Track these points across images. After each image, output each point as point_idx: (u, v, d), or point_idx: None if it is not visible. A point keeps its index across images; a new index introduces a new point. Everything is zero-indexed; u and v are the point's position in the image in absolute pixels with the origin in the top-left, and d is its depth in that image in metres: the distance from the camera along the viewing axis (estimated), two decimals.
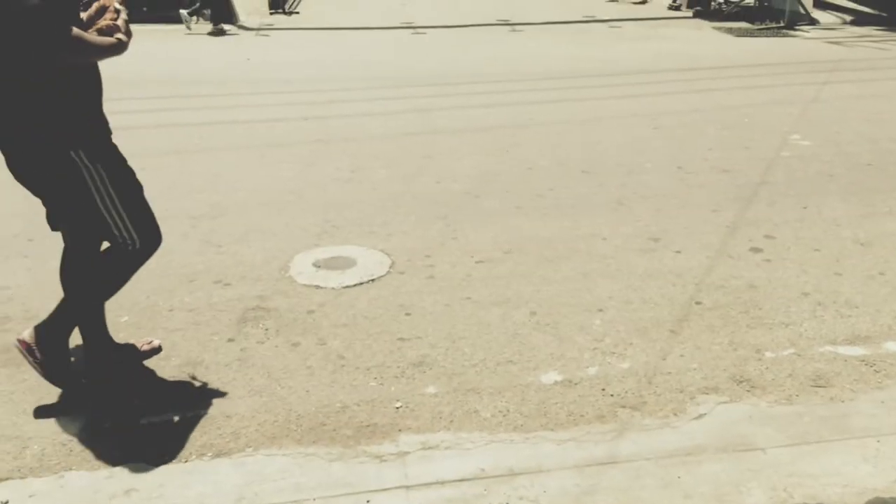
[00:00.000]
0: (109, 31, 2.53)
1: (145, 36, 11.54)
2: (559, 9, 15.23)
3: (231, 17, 12.88)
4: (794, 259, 4.13)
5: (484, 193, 5.09)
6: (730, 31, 12.14)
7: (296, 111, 7.15)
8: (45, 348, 2.77)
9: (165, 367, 3.13)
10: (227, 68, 9.29)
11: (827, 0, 13.52)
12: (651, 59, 9.80)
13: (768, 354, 3.21)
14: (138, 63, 9.47)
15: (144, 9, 13.11)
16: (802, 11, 12.43)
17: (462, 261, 4.10)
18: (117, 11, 2.57)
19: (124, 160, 2.78)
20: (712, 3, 14.06)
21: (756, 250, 4.23)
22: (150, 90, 7.95)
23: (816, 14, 12.72)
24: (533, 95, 7.78)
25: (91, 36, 2.48)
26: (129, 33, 2.58)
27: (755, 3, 13.23)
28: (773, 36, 11.71)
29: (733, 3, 13.77)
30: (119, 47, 2.55)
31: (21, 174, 2.65)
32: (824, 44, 10.97)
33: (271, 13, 13.98)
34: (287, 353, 3.23)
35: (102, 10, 2.58)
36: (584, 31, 12.53)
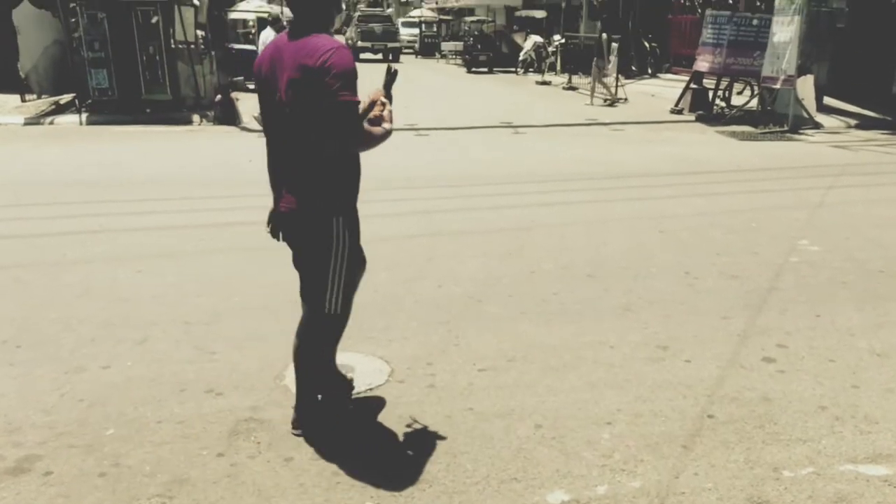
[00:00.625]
0: (377, 120, 3.04)
1: (147, 137, 11.87)
2: (561, 111, 15.70)
3: (235, 118, 13.27)
4: (808, 370, 4.09)
5: (487, 298, 5.10)
6: (733, 134, 12.45)
7: None
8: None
9: (150, 485, 3.05)
10: (228, 169, 9.49)
11: (830, 105, 13.92)
12: (655, 162, 10.01)
13: (786, 473, 3.12)
14: (138, 164, 9.71)
15: (148, 110, 13.53)
16: (806, 115, 12.79)
17: (464, 369, 4.06)
18: (384, 104, 3.09)
19: (359, 235, 3.19)
20: (715, 107, 14.49)
21: (769, 360, 4.19)
22: (148, 191, 8.10)
23: (820, 118, 13.08)
24: (536, 198, 7.91)
25: (372, 128, 2.99)
26: (392, 122, 3.07)
27: (758, 107, 13.63)
28: (778, 140, 12.00)
29: (736, 107, 14.20)
30: (387, 135, 3.01)
31: (297, 239, 3.16)
32: (829, 148, 11.23)
33: None
34: (279, 468, 3.15)
35: (372, 104, 3.12)
36: (587, 134, 12.86)
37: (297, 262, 3.25)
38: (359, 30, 32.42)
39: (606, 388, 3.84)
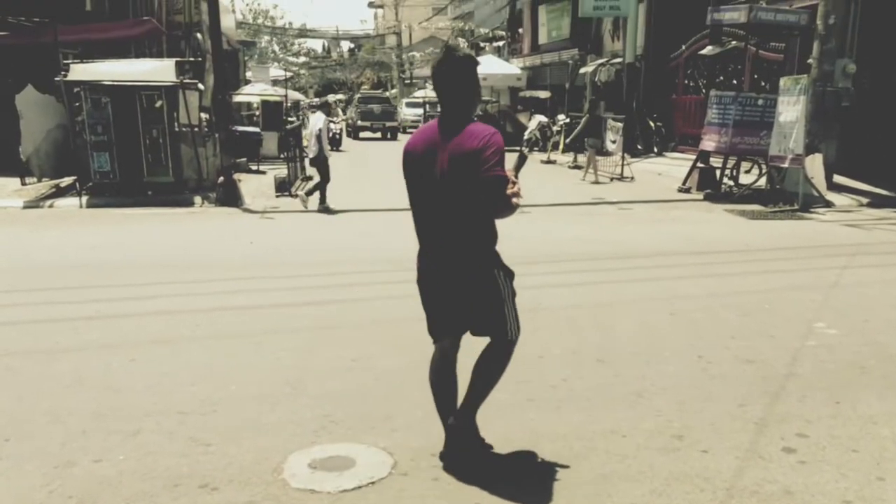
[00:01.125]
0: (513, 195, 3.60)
1: (147, 219, 12.00)
2: (567, 190, 15.86)
3: (237, 200, 13.44)
4: (830, 461, 3.99)
5: None
6: (742, 213, 12.54)
7: (297, 296, 7.26)
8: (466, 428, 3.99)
9: None
10: (228, 252, 9.55)
11: (840, 183, 14.05)
12: (664, 242, 10.05)
13: None
14: (137, 247, 9.78)
15: (149, 192, 13.73)
16: (816, 194, 12.89)
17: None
18: (514, 183, 3.55)
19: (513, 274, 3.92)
20: (723, 186, 14.63)
21: (789, 450, 4.10)
22: (146, 275, 8.13)
23: (831, 196, 13.17)
24: (543, 279, 7.91)
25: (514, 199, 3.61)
26: (521, 197, 3.60)
27: (767, 185, 13.77)
28: (788, 219, 12.07)
29: (744, 185, 14.34)
30: (516, 208, 3.58)
31: (454, 289, 3.81)
32: (841, 227, 11.28)
33: (277, 196, 14.59)
34: None
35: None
36: (594, 213, 12.97)
37: (445, 307, 3.90)
38: (359, 110, 34.69)
39: (620, 481, 3.75)
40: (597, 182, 16.88)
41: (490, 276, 3.78)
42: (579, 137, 19.93)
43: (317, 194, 13.05)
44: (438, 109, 3.86)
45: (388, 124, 33.77)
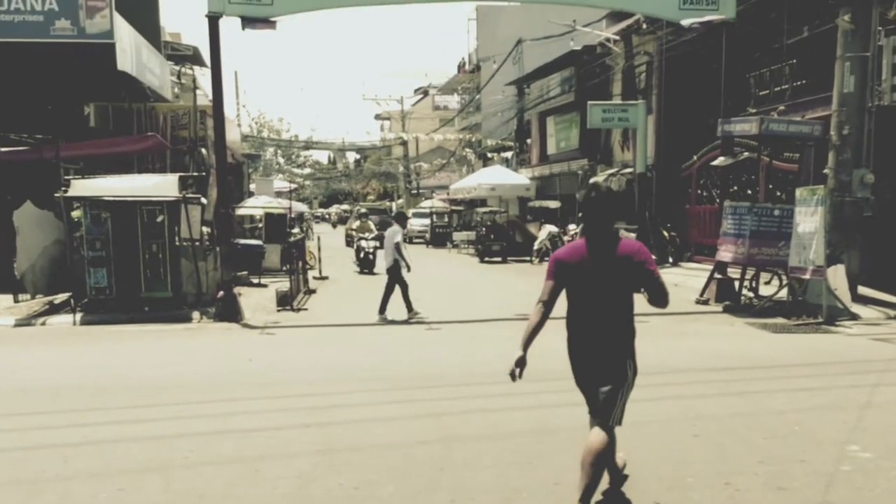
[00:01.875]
0: None
1: (143, 337, 11.98)
2: None
3: (236, 315, 13.46)
4: None
5: None
6: (765, 326, 12.45)
7: (297, 417, 7.15)
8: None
9: None
10: (226, 370, 9.48)
11: (866, 295, 14.00)
12: (684, 357, 9.94)
13: None
14: (131, 366, 9.72)
15: (146, 308, 13.77)
16: (840, 306, 12.82)
17: None
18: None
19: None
20: (742, 298, 14.60)
21: None
22: (138, 397, 8.05)
23: (856, 309, 13.09)
24: (559, 396, 7.78)
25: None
26: None
27: (788, 297, 13.73)
28: (813, 332, 11.97)
29: (765, 297, 14.30)
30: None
31: (597, 373, 4.89)
32: (870, 341, 11.16)
33: (278, 310, 14.62)
34: None
35: None
36: None
37: (590, 386, 4.94)
38: (359, 222, 35.92)
39: None
40: None
41: (624, 362, 4.87)
42: None
43: (387, 304, 13.66)
44: (579, 229, 4.15)
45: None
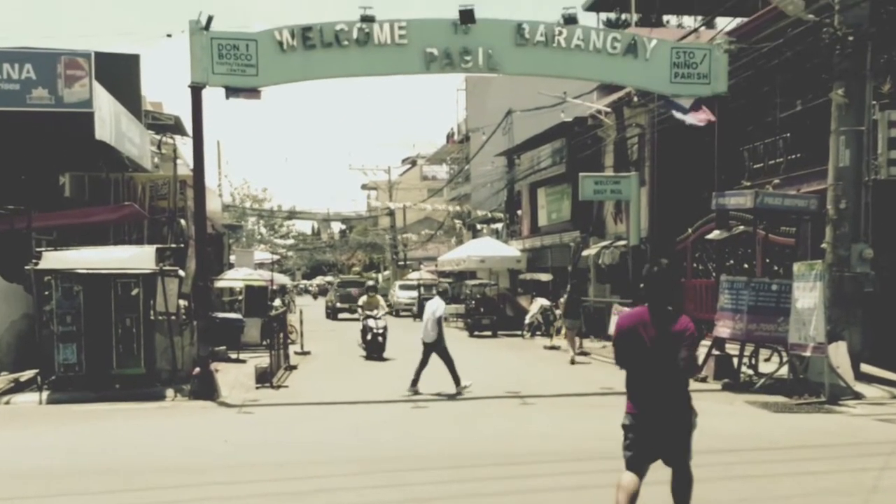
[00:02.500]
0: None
1: (112, 416, 11.76)
2: (573, 379, 15.74)
3: (213, 392, 13.27)
4: None
5: None
6: (766, 405, 12.36)
7: (276, 503, 6.98)
8: None
9: None
10: (201, 452, 9.29)
11: (869, 373, 13.97)
12: None
13: None
14: (97, 449, 9.49)
15: (117, 386, 13.57)
16: (843, 384, 12.77)
17: None
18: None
19: None
20: (742, 375, 14.54)
21: None
22: (103, 482, 7.86)
23: (860, 387, 13.04)
24: (552, 480, 7.66)
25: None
26: None
27: (789, 375, 13.68)
28: (816, 412, 11.88)
29: (765, 375, 14.24)
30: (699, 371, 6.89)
31: (664, 426, 5.82)
32: (875, 422, 11.08)
33: (257, 387, 14.43)
34: None
35: None
36: (603, 405, 12.77)
37: (653, 442, 5.83)
38: (338, 294, 40.56)
39: None
40: (572, 363, 18.28)
41: (689, 416, 5.81)
42: (568, 314, 20.40)
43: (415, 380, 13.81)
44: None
45: None
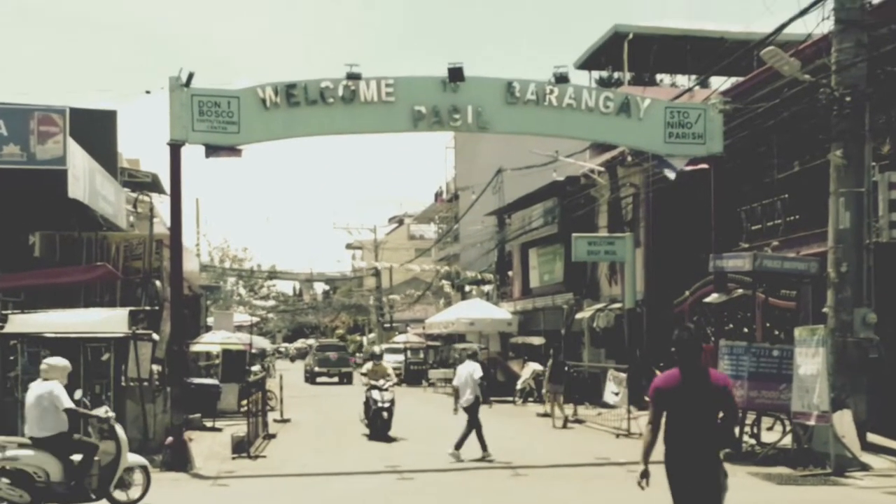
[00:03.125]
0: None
1: None
2: (567, 448, 15.58)
3: (186, 463, 13.06)
4: None
5: None
6: (769, 477, 12.25)
7: None
8: None
9: None
10: None
11: (876, 443, 13.87)
12: None
13: None
14: None
15: None
16: (849, 455, 12.67)
17: None
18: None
19: None
20: (743, 445, 14.41)
21: None
22: None
23: (866, 458, 12.94)
24: None
25: None
26: None
27: (793, 445, 13.58)
28: (821, 484, 11.77)
29: (768, 444, 14.13)
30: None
31: (701, 475, 6.37)
32: (883, 495, 10.98)
33: (234, 458, 14.21)
34: None
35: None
36: (601, 476, 12.64)
37: (690, 491, 6.39)
38: (316, 357, 41.41)
39: None
40: (564, 427, 18.86)
41: (721, 469, 6.48)
42: (552, 379, 20.44)
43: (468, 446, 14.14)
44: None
45: (344, 370, 40.19)
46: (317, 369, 40.31)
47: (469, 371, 14.66)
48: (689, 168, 15.65)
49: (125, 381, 13.95)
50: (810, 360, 12.96)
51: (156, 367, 15.95)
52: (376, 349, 23.32)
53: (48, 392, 9.58)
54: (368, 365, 18.87)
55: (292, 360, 65.78)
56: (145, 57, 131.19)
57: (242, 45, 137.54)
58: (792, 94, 14.84)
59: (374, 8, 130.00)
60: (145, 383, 14.55)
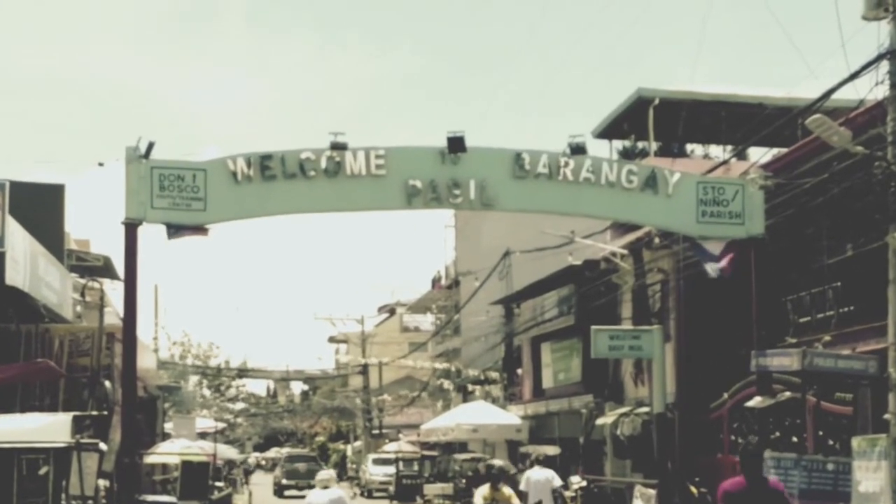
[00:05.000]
0: None
1: None
2: None
3: None
4: None
5: None
6: None
7: None
8: None
9: None
10: None
11: None
12: None
13: None
14: None
15: None
16: None
17: None
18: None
19: None
20: None
21: None
22: None
23: None
24: None
25: None
26: None
27: None
28: None
29: None
30: None
31: None
32: None
33: None
34: None
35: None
36: None
37: None
38: (284, 469, 43.99)
39: None
40: None
41: None
42: None
43: None
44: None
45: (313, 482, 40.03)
46: (285, 482, 42.76)
47: (545, 478, 14.07)
48: (724, 274, 15.59)
49: (66, 499, 13.69)
50: (871, 476, 12.78)
51: (103, 483, 15.69)
52: (496, 463, 19.06)
53: None
54: (485, 490, 14.74)
55: (252, 471, 64.94)
56: (99, 124, 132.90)
57: (211, 111, 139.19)
58: (842, 167, 14.93)
59: (364, 70, 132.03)
60: (90, 502, 14.28)
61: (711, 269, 15.74)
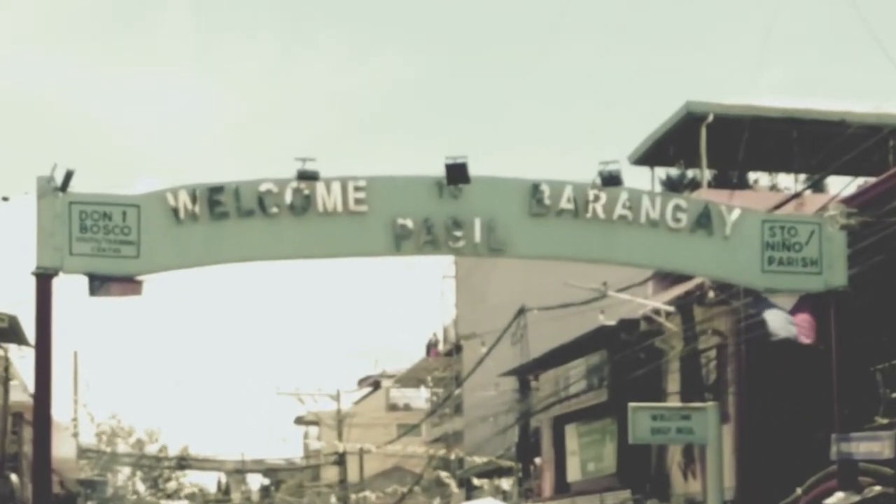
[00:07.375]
0: None
1: None
2: None
3: None
4: None
5: None
6: None
7: None
8: None
9: None
10: None
11: None
12: None
13: None
14: None
15: None
16: None
17: None
18: None
19: None
20: None
21: None
22: None
23: None
24: None
25: None
26: None
27: None
28: None
29: None
30: None
31: None
32: None
33: None
34: None
35: None
36: None
37: None
38: None
39: None
40: None
41: None
42: None
43: None
44: None
45: None
46: None
47: None
48: (805, 340, 15.54)
49: None
50: None
51: None
52: None
53: None
54: None
55: None
56: (1, 147, 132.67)
57: (146, 131, 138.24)
58: None
59: (339, 79, 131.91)
60: None
61: (780, 330, 15.60)
